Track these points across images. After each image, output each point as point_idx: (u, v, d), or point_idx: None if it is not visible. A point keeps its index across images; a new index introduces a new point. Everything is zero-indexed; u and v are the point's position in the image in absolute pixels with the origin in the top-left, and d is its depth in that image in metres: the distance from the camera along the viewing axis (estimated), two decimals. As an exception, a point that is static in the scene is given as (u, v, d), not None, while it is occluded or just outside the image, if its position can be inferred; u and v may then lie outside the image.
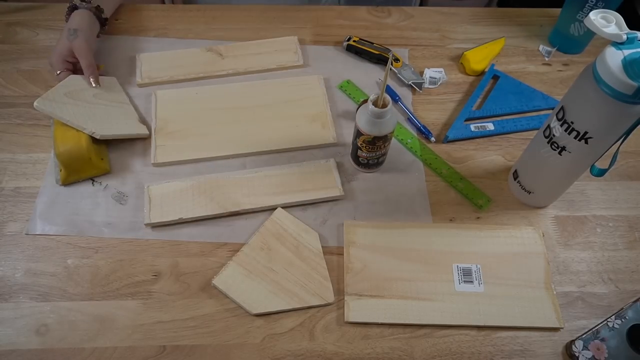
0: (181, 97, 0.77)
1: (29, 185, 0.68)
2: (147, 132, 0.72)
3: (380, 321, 0.58)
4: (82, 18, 0.75)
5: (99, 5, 0.78)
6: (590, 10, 0.69)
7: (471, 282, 0.61)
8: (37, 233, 0.64)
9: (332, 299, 0.59)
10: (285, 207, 0.66)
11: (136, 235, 0.64)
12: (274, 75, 0.82)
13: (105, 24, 0.80)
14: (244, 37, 0.87)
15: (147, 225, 0.65)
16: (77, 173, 0.68)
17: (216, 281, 0.60)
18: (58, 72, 0.71)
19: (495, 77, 0.83)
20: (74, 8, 0.76)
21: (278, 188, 0.68)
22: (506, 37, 0.89)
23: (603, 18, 0.51)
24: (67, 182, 0.68)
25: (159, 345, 0.56)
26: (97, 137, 0.66)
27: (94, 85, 0.71)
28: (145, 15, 0.89)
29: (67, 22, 0.75)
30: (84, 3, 0.76)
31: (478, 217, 0.68)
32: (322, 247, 0.63)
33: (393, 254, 0.63)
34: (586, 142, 0.54)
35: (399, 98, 0.79)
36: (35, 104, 0.65)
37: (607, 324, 0.57)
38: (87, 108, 0.69)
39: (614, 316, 0.57)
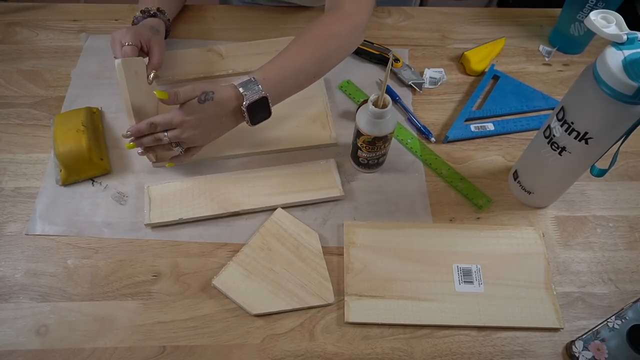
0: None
1: (29, 185, 0.68)
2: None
3: (380, 321, 0.58)
4: (159, 24, 0.76)
5: (169, 19, 0.80)
6: (591, 11, 0.69)
7: (471, 282, 0.61)
8: (37, 233, 0.64)
9: (332, 300, 0.59)
10: (285, 207, 0.66)
11: (136, 235, 0.64)
12: (274, 76, 0.82)
13: (166, 37, 0.81)
14: (244, 37, 0.87)
15: (147, 225, 0.65)
16: (77, 173, 0.68)
17: (216, 281, 0.60)
18: (127, 43, 0.68)
19: (495, 77, 0.83)
20: (151, 15, 0.76)
21: (278, 188, 0.68)
22: (506, 37, 0.89)
23: (603, 18, 0.51)
24: (67, 182, 0.68)
25: (159, 346, 0.56)
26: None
27: (150, 79, 0.69)
28: (145, 16, 0.89)
29: (134, 23, 0.76)
30: (160, 14, 0.78)
31: (478, 218, 0.68)
32: (322, 247, 0.63)
33: (393, 254, 0.63)
34: (586, 143, 0.54)
35: (399, 98, 0.79)
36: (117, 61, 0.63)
37: (607, 325, 0.56)
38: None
39: (614, 316, 0.57)
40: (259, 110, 0.64)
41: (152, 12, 0.76)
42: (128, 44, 0.67)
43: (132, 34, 0.68)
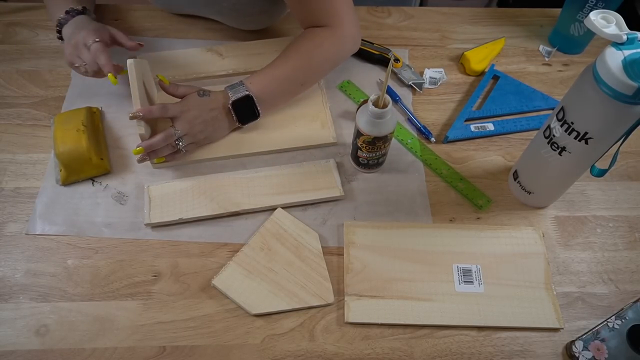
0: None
1: (29, 185, 0.68)
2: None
3: (380, 322, 0.58)
4: (94, 22, 0.74)
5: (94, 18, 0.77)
6: (590, 11, 0.69)
7: (471, 282, 0.61)
8: (37, 233, 0.64)
9: (332, 300, 0.59)
10: (285, 207, 0.66)
11: (136, 235, 0.64)
12: (274, 76, 0.82)
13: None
14: (244, 37, 0.87)
15: (147, 225, 0.65)
16: (77, 173, 0.68)
17: (216, 281, 0.60)
18: (96, 39, 0.68)
19: (495, 77, 0.83)
20: (79, 13, 0.73)
21: (278, 188, 0.68)
22: (506, 37, 0.89)
23: (603, 18, 0.51)
24: (67, 182, 0.68)
25: (159, 346, 0.56)
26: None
27: (139, 46, 0.73)
28: (144, 15, 0.89)
29: (60, 25, 0.72)
30: (86, 11, 0.74)
31: (478, 218, 0.68)
32: (322, 247, 0.63)
33: (393, 254, 0.63)
34: (586, 143, 0.54)
35: (399, 98, 0.79)
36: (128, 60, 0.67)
37: (607, 325, 0.57)
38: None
39: (614, 316, 0.57)
40: (245, 109, 0.70)
41: (78, 10, 0.74)
42: (94, 41, 0.68)
43: (92, 33, 0.68)
